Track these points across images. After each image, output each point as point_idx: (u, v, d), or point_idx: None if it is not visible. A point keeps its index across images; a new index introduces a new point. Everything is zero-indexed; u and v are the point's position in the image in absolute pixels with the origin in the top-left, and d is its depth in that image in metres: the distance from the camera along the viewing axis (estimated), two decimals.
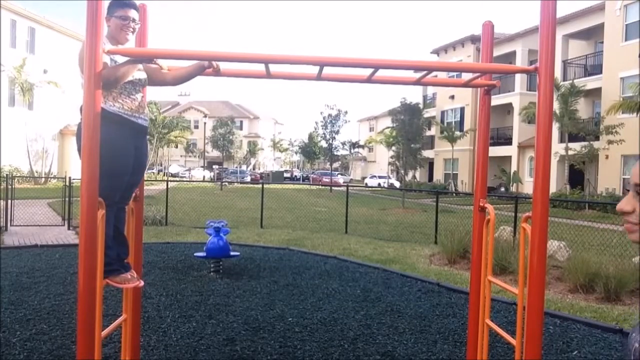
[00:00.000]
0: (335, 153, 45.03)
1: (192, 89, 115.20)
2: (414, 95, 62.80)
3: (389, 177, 46.57)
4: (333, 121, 40.22)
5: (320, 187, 37.13)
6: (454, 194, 28.97)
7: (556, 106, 21.99)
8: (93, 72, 2.38)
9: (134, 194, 3.08)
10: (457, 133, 33.11)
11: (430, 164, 39.42)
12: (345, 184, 26.95)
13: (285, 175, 55.66)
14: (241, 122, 70.67)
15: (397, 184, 40.75)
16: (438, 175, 38.66)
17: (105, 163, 2.50)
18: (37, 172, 28.95)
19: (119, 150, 2.73)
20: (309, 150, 55.53)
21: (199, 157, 60.84)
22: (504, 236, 8.98)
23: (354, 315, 5.17)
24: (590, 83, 24.74)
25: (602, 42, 25.08)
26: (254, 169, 64.79)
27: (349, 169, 66.61)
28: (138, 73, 2.84)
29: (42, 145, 30.25)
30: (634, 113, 19.98)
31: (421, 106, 31.86)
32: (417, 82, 3.27)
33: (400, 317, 5.16)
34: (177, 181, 27.26)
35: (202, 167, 53.44)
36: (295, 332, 4.60)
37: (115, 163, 2.70)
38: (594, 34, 26.23)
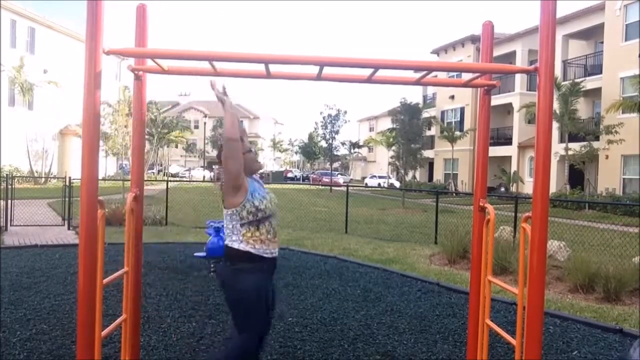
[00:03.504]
0: (335, 153, 45.00)
1: (192, 89, 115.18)
2: (414, 95, 62.79)
3: (389, 177, 46.56)
4: (333, 121, 40.19)
5: (320, 187, 37.13)
6: (454, 194, 28.98)
7: (556, 106, 22.00)
8: (93, 72, 2.38)
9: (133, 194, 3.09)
10: (457, 133, 33.10)
11: (430, 164, 39.42)
12: (345, 184, 26.95)
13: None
14: (241, 122, 70.58)
15: (397, 184, 40.76)
16: (438, 175, 38.65)
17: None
18: (37, 172, 28.96)
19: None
20: (309, 150, 55.49)
21: (199, 157, 60.84)
22: (504, 236, 8.98)
23: (354, 315, 5.17)
24: (590, 83, 24.73)
25: (602, 42, 25.08)
26: None
27: (349, 169, 66.60)
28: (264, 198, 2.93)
29: (42, 145, 30.26)
30: (634, 112, 19.99)
31: (421, 106, 31.87)
32: (417, 82, 3.27)
33: (400, 317, 5.16)
34: (177, 181, 27.25)
35: (202, 167, 53.43)
36: (295, 332, 4.60)
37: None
38: (594, 34, 26.23)
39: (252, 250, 2.86)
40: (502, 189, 29.57)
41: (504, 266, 7.06)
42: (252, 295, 2.86)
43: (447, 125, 35.42)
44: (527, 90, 30.37)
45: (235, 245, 2.87)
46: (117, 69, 36.14)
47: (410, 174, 32.98)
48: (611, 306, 5.79)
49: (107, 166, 33.70)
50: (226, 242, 2.94)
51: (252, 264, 2.87)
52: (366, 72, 3.03)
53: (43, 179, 26.69)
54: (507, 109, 32.01)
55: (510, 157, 31.36)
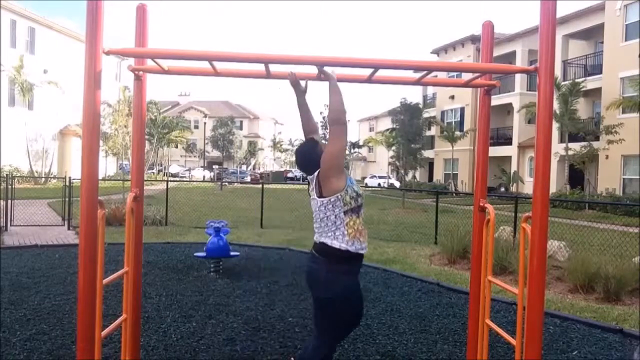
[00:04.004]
0: None
1: (192, 89, 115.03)
2: (414, 95, 62.75)
3: (389, 177, 46.54)
4: None
5: None
6: (454, 194, 28.97)
7: (556, 106, 21.99)
8: (93, 72, 2.38)
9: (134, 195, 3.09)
10: (457, 133, 33.10)
11: (430, 164, 39.41)
12: None
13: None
14: (241, 122, 70.69)
15: (397, 184, 40.73)
16: (438, 175, 38.64)
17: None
18: (37, 172, 28.95)
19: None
20: None
21: (199, 157, 60.87)
22: (504, 236, 8.98)
23: None
24: (590, 83, 24.72)
25: (602, 42, 25.08)
26: (254, 169, 64.79)
27: (349, 169, 66.65)
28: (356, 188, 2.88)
29: (42, 145, 30.25)
30: (634, 112, 19.98)
31: (421, 106, 31.84)
32: (417, 82, 3.27)
33: (400, 317, 5.16)
34: (177, 181, 27.25)
35: (202, 167, 53.45)
36: (295, 332, 4.60)
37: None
38: (594, 34, 26.22)
39: (351, 249, 2.77)
40: (502, 189, 29.56)
41: (504, 266, 7.06)
42: (348, 299, 2.79)
43: (447, 125, 35.41)
44: (527, 90, 30.37)
45: (336, 244, 2.75)
46: (117, 69, 36.16)
47: (410, 174, 32.97)
48: (611, 306, 5.79)
49: (107, 166, 33.71)
50: (323, 240, 2.80)
51: (349, 266, 2.80)
52: (366, 72, 3.03)
53: (43, 179, 26.67)
54: (507, 109, 32.01)
55: (510, 157, 31.36)
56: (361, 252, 2.84)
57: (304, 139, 3.11)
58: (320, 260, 2.80)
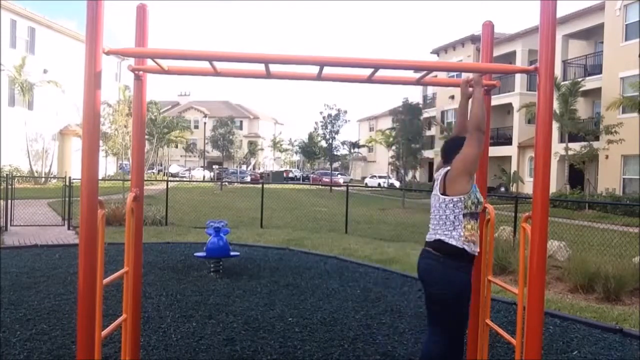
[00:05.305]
0: (335, 153, 44.95)
1: (192, 89, 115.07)
2: (414, 95, 62.75)
3: (389, 177, 46.54)
4: (333, 121, 40.14)
5: (320, 187, 37.13)
6: None
7: (556, 106, 21.98)
8: (93, 72, 2.38)
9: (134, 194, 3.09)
10: None
11: (430, 164, 39.40)
12: (345, 184, 26.93)
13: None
14: (241, 122, 70.66)
15: (397, 184, 40.73)
16: None
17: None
18: (37, 172, 28.94)
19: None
20: (309, 150, 55.45)
21: (199, 157, 60.84)
22: (504, 236, 8.97)
23: (354, 315, 5.17)
24: (590, 83, 24.71)
25: (602, 42, 25.07)
26: (254, 169, 64.77)
27: (349, 169, 66.60)
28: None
29: (42, 145, 30.24)
30: (635, 112, 19.98)
31: (421, 106, 31.85)
32: (417, 82, 3.28)
33: (400, 317, 5.16)
34: (177, 181, 27.24)
35: (202, 167, 53.43)
36: (295, 332, 4.60)
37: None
38: (594, 34, 26.22)
39: (467, 249, 2.88)
40: (502, 189, 29.56)
41: (504, 266, 7.06)
42: (463, 294, 2.91)
43: (447, 125, 35.39)
44: (527, 90, 30.37)
45: (453, 242, 2.87)
46: (117, 69, 36.13)
47: (410, 174, 33.00)
48: (611, 306, 5.79)
49: (107, 166, 33.70)
50: (439, 237, 2.92)
51: (464, 263, 2.91)
52: (366, 72, 3.03)
53: (43, 179, 26.66)
54: (507, 109, 32.00)
55: (510, 157, 31.36)
56: (474, 254, 2.94)
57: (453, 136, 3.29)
58: (437, 257, 2.92)
